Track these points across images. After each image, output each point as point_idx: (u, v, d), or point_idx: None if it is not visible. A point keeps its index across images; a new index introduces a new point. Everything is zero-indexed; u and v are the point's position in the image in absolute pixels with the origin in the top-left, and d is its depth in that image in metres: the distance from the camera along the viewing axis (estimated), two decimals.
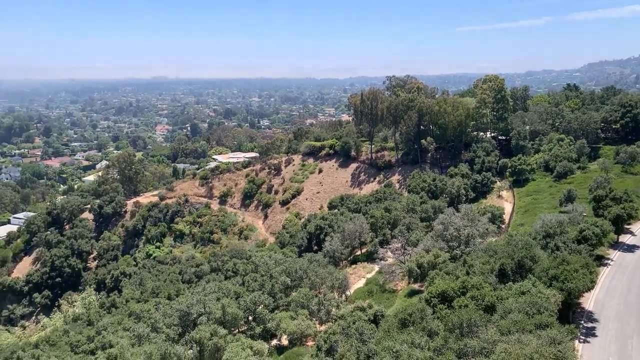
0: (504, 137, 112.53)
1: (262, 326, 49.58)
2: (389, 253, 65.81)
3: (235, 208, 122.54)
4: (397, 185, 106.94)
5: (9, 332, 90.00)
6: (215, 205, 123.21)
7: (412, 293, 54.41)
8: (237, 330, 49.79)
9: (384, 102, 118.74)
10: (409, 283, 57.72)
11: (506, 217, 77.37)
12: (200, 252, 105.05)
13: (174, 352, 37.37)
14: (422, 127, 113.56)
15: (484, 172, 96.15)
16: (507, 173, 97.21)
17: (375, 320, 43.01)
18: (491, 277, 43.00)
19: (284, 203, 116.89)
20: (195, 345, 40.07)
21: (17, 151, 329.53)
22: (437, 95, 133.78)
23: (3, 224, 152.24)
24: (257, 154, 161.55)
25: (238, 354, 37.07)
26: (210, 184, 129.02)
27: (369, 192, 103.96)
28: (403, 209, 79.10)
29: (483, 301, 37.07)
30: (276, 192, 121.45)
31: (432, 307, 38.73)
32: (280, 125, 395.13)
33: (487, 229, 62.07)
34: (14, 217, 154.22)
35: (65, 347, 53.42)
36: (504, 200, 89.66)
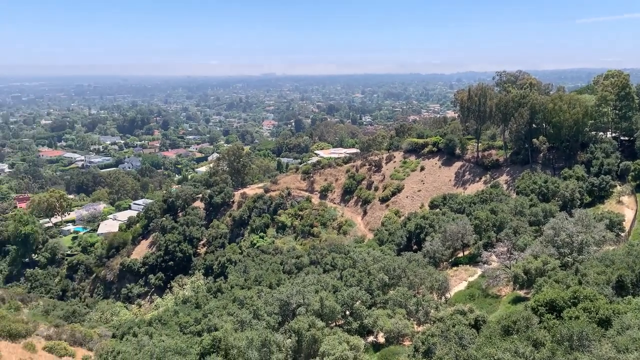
0: (626, 138, 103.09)
1: (358, 322, 49.70)
2: (494, 257, 63.05)
3: (335, 203, 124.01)
4: (505, 186, 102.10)
5: (127, 309, 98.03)
6: (315, 199, 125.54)
7: (516, 300, 51.73)
8: (334, 324, 50.35)
9: (492, 98, 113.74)
10: (514, 289, 54.93)
11: (627, 224, 70.94)
12: (301, 245, 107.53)
13: (273, 340, 38.56)
14: (534, 125, 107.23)
15: (602, 175, 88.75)
16: (630, 177, 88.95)
17: (477, 325, 41.45)
18: (607, 289, 39.68)
19: (384, 200, 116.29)
20: (293, 334, 41.09)
21: (138, 142, 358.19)
22: (551, 92, 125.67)
23: (125, 209, 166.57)
24: (358, 150, 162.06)
25: (335, 347, 37.47)
26: (312, 179, 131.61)
27: (473, 192, 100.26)
28: (510, 211, 75.39)
29: (597, 314, 34.29)
30: (376, 189, 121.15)
31: (539, 316, 36.52)
32: (382, 122, 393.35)
33: (603, 237, 57.35)
34: (134, 204, 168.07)
35: (174, 327, 57.13)
36: (625, 206, 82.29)
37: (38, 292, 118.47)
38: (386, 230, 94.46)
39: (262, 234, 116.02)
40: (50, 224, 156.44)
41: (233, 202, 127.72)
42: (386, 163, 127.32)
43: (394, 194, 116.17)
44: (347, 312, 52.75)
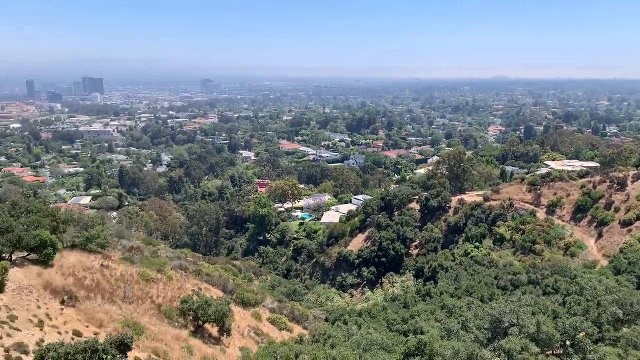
0: None
1: (581, 355, 44.37)
2: None
3: (563, 221, 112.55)
4: None
5: (340, 296, 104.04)
6: (541, 214, 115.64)
7: None
8: (550, 352, 45.86)
9: None
10: None
11: None
12: (519, 261, 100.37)
13: (481, 356, 36.80)
14: None
15: None
16: None
17: None
18: None
19: (626, 224, 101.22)
20: (503, 354, 38.65)
21: (364, 141, 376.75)
22: None
23: (346, 202, 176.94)
24: (598, 165, 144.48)
25: None
26: (539, 191, 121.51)
27: None
28: None
29: None
30: (616, 210, 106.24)
31: None
32: (631, 134, 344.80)
33: None
34: (355, 198, 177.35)
35: (382, 322, 58.61)
36: None
37: (267, 268, 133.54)
38: (625, 258, 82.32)
39: (477, 244, 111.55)
40: (282, 209, 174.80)
41: (449, 207, 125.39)
42: (632, 182, 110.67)
43: (639, 218, 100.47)
44: (568, 343, 47.59)
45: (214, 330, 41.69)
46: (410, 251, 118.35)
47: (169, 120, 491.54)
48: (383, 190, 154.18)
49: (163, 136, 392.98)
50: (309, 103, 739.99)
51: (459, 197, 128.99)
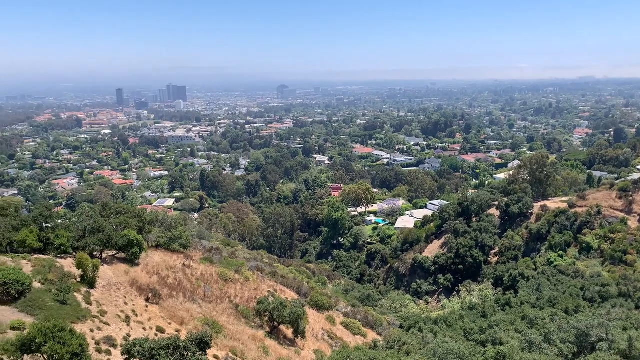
0: None
1: None
2: None
3: None
4: None
5: (415, 303, 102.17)
6: (633, 222, 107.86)
7: None
8: None
9: None
10: None
11: None
12: (608, 272, 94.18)
13: None
14: None
15: None
16: None
17: None
18: None
19: None
20: None
21: (439, 144, 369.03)
22: None
23: (421, 207, 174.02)
24: None
25: None
26: (630, 198, 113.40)
27: None
28: None
29: None
30: None
31: None
32: None
33: None
34: (430, 203, 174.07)
35: (459, 331, 56.94)
36: None
37: (341, 272, 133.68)
38: None
39: (561, 252, 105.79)
40: (355, 213, 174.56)
41: (531, 213, 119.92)
42: None
43: None
44: None
45: (288, 332, 42.25)
46: (489, 259, 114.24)
47: (246, 126, 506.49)
48: (460, 195, 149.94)
49: (241, 141, 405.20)
50: (383, 106, 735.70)
51: (542, 203, 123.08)
